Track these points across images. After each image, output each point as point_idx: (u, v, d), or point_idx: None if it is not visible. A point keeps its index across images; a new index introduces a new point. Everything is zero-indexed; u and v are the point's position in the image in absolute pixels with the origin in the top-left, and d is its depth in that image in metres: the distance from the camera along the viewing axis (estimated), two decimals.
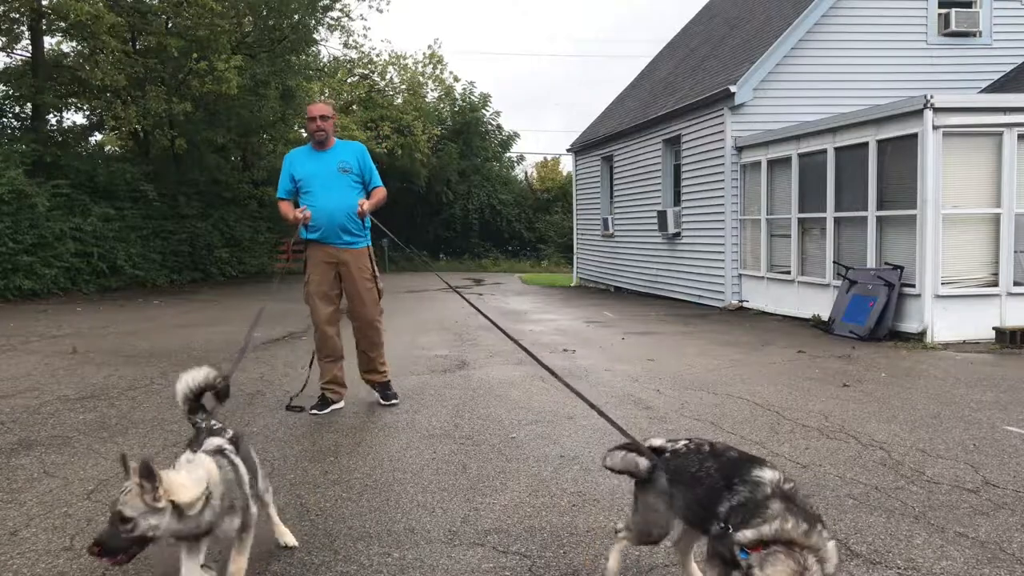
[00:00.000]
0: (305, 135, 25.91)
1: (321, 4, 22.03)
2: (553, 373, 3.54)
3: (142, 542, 2.49)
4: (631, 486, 3.00)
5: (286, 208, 5.82)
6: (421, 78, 32.32)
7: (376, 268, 6.04)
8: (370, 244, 5.99)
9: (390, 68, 31.74)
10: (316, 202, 5.74)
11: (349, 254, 5.82)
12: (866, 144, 10.61)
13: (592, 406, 3.05)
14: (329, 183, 5.73)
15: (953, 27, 13.74)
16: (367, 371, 6.15)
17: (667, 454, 2.86)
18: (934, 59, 13.86)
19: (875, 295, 9.95)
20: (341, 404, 6.02)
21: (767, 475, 2.54)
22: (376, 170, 5.98)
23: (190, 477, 2.60)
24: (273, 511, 3.44)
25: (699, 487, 2.69)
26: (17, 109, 18.42)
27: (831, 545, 2.35)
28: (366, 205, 5.75)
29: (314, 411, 5.89)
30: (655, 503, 2.83)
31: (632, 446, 2.92)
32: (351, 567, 3.28)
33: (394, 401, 6.16)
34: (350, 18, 25.32)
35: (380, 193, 5.92)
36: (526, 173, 39.10)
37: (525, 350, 3.89)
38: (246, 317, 12.63)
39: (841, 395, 6.59)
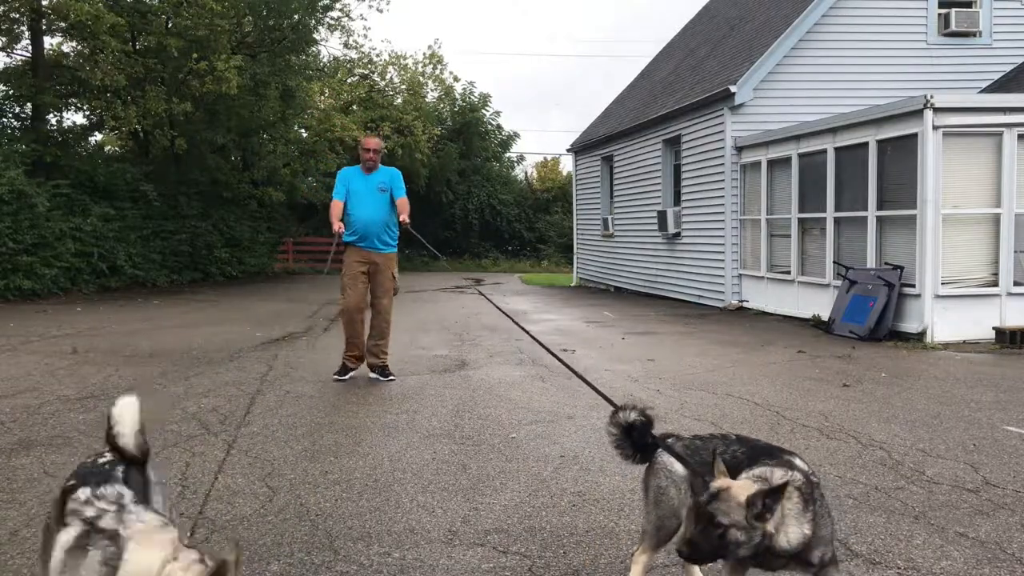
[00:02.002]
0: (304, 134, 25.92)
1: (321, 4, 21.96)
2: (582, 377, 3.55)
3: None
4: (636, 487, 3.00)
5: (337, 209, 7.05)
6: (421, 78, 32.25)
7: (396, 271, 7.30)
8: (396, 251, 7.33)
9: (390, 68, 31.69)
10: (359, 214, 7.07)
11: (381, 256, 7.16)
12: (866, 144, 10.61)
13: (607, 399, 3.04)
14: (370, 200, 7.07)
15: (953, 27, 13.74)
16: (372, 355, 7.28)
17: (684, 438, 2.88)
18: (934, 59, 13.86)
19: (875, 295, 9.95)
20: (355, 372, 7.31)
21: (799, 463, 2.55)
22: (404, 188, 7.26)
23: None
24: None
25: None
26: (17, 109, 18.37)
27: (802, 519, 2.35)
28: (406, 217, 7.02)
29: (336, 377, 7.22)
30: (666, 487, 2.81)
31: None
32: (351, 567, 3.28)
33: (391, 377, 7.25)
34: (350, 18, 25.13)
35: (405, 202, 7.17)
36: (526, 173, 39.07)
37: (564, 362, 3.89)
38: (246, 317, 12.63)
39: (841, 395, 6.60)
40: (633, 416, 2.90)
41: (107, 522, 2.06)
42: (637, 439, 2.90)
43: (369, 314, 7.36)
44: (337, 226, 6.96)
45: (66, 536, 2.06)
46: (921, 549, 3.45)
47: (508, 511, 3.91)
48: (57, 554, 2.03)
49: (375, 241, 7.11)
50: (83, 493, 2.14)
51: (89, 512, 2.09)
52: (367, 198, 7.08)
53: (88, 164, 18.79)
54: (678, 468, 2.81)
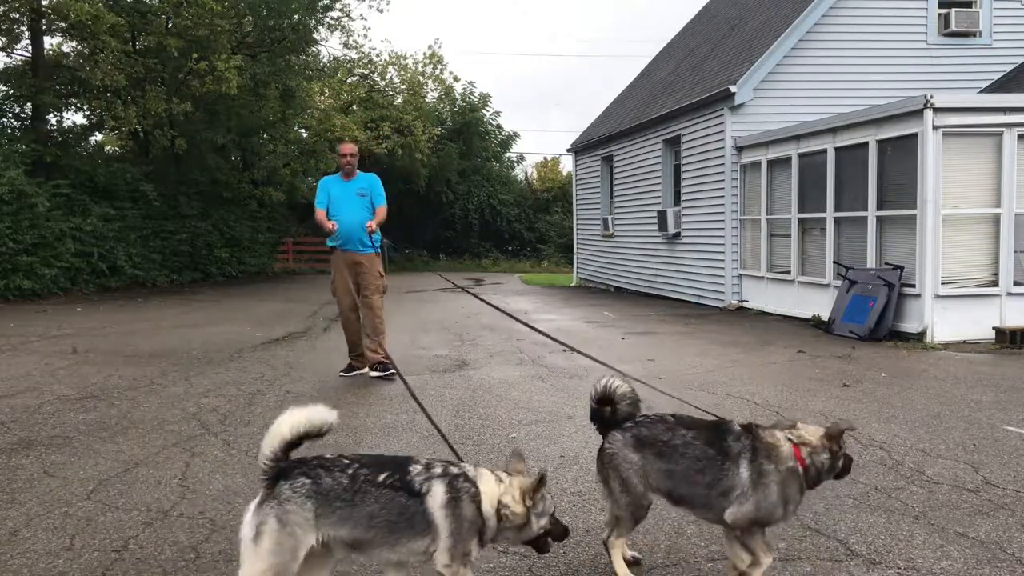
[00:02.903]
0: (304, 134, 25.98)
1: (321, 4, 21.97)
2: (596, 356, 3.54)
3: None
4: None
5: (322, 216, 7.43)
6: (421, 78, 32.24)
7: (382, 269, 7.61)
8: (379, 251, 7.60)
9: (390, 68, 31.69)
10: (340, 218, 7.36)
11: (363, 257, 7.46)
12: (866, 144, 10.60)
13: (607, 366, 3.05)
14: (350, 205, 7.40)
15: (953, 27, 13.73)
16: (369, 350, 7.53)
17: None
18: (934, 59, 13.86)
19: (875, 295, 9.95)
20: (366, 370, 7.57)
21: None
22: (384, 194, 7.59)
23: None
24: None
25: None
26: (17, 109, 18.38)
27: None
28: (373, 224, 7.31)
29: (342, 374, 7.56)
30: (629, 477, 2.99)
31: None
32: (351, 567, 3.28)
33: (391, 372, 7.34)
34: (350, 18, 25.22)
35: (382, 211, 7.50)
36: (526, 173, 39.10)
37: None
38: (246, 317, 12.64)
39: (841, 395, 6.59)
40: (615, 384, 3.09)
41: (455, 469, 2.71)
42: (608, 416, 3.07)
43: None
44: (331, 225, 7.29)
45: (438, 493, 2.63)
46: (921, 549, 3.45)
47: None
48: (439, 512, 2.61)
49: (357, 244, 7.43)
50: (416, 467, 2.69)
51: (436, 470, 2.67)
52: (347, 203, 7.42)
53: (88, 164, 18.80)
54: (633, 456, 2.93)
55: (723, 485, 2.81)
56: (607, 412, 3.03)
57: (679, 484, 2.89)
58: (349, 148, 7.60)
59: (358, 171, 7.62)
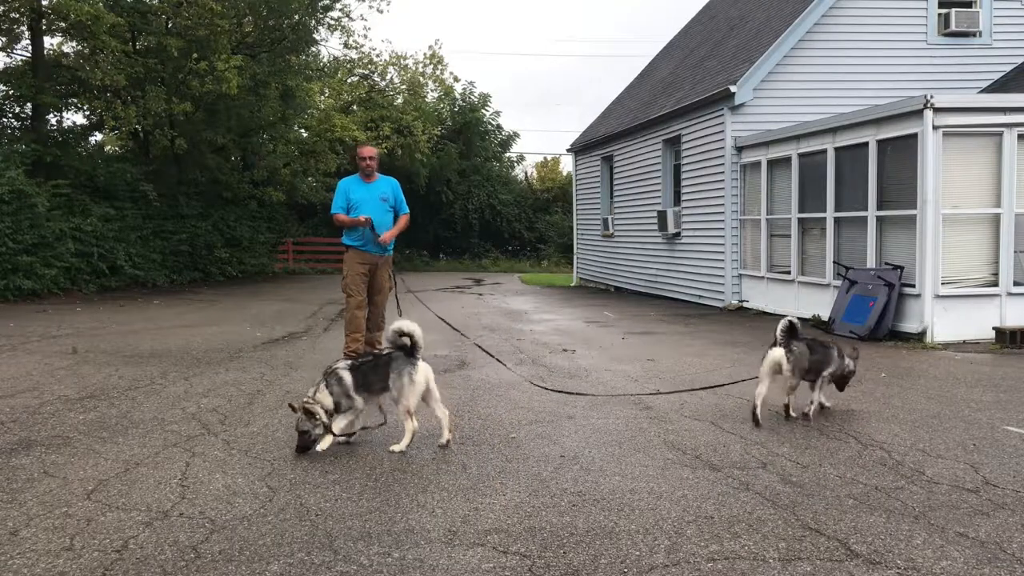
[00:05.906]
0: (304, 134, 25.94)
1: (321, 4, 21.96)
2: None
3: None
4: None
5: (344, 217, 7.62)
6: (421, 78, 32.18)
7: (392, 270, 8.03)
8: (392, 253, 8.02)
9: (390, 68, 31.62)
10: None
11: (381, 259, 7.77)
12: (866, 144, 10.61)
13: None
14: (375, 210, 7.61)
15: (953, 27, 13.74)
16: (368, 345, 7.80)
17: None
18: (934, 59, 13.86)
19: (875, 295, 9.95)
20: None
21: None
22: (404, 199, 7.90)
23: None
24: None
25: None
26: (17, 109, 18.37)
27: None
28: (387, 235, 7.62)
29: None
30: (805, 358, 5.71)
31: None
32: (351, 567, 3.28)
33: None
34: (350, 18, 25.26)
35: (404, 219, 7.89)
36: (526, 173, 39.07)
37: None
38: (246, 317, 12.63)
39: (842, 394, 6.58)
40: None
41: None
42: None
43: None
44: (360, 219, 7.45)
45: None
46: (921, 549, 3.45)
47: (508, 511, 3.91)
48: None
49: (378, 246, 7.66)
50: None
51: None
52: (372, 207, 7.59)
53: (88, 164, 18.79)
54: (807, 351, 5.70)
55: (830, 360, 5.80)
56: (790, 332, 5.54)
57: (820, 365, 5.72)
58: (369, 151, 7.78)
59: (378, 173, 7.80)
